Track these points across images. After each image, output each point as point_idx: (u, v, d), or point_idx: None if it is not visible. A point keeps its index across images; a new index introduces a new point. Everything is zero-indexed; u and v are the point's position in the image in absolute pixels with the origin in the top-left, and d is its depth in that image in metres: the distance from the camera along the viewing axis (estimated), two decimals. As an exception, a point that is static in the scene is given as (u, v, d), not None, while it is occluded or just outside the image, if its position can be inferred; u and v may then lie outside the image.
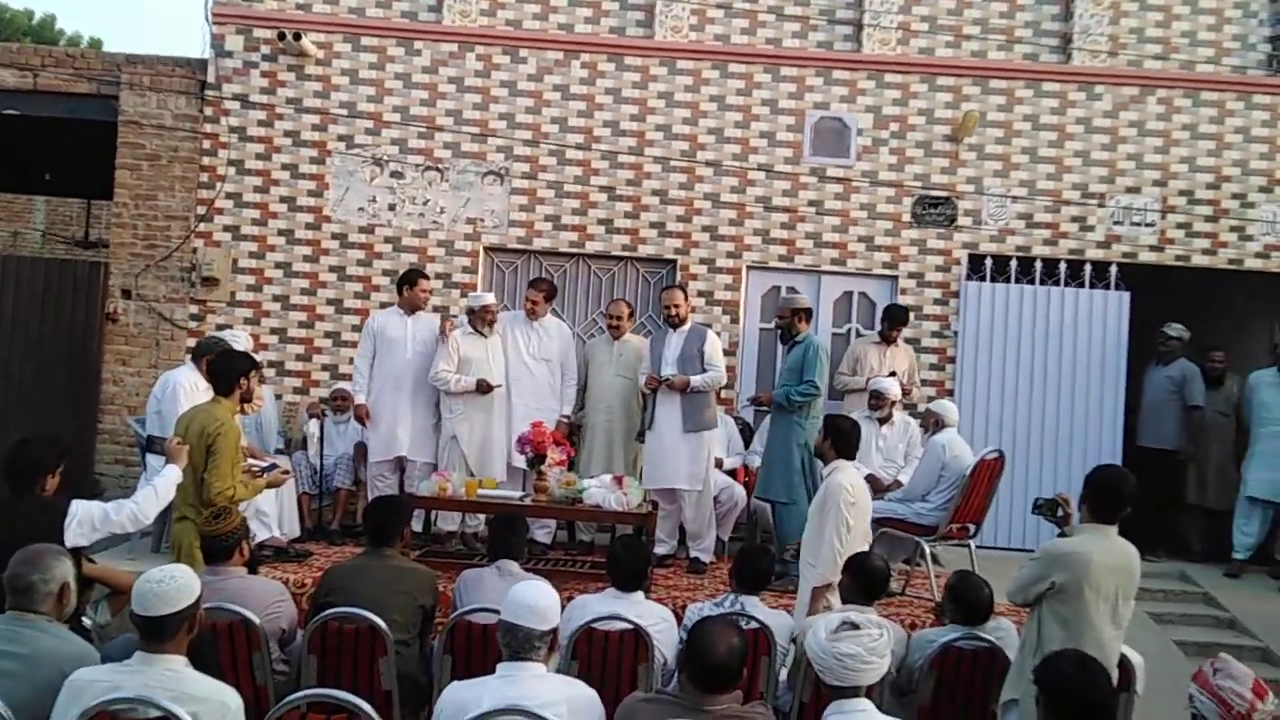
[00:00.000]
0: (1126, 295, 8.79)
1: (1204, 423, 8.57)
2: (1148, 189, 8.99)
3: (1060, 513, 4.48)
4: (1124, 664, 4.47)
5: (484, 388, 7.05)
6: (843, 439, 5.51)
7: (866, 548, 5.46)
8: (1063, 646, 3.78)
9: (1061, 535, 4.41)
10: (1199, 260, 8.99)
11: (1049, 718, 3.17)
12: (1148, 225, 8.98)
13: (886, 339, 8.19)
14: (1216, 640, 6.89)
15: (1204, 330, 8.95)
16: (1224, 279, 9.15)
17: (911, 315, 8.55)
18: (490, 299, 7.43)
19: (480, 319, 7.23)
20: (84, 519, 4.29)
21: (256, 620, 4.18)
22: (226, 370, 5.29)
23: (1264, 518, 8.09)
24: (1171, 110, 9.02)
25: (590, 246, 8.98)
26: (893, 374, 7.88)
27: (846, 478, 5.38)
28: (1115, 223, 8.98)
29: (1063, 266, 8.86)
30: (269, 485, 5.66)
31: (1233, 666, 3.44)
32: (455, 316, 7.85)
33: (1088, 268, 8.86)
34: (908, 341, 8.62)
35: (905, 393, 8.02)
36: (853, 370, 8.13)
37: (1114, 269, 8.85)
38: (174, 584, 3.21)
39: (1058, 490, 4.92)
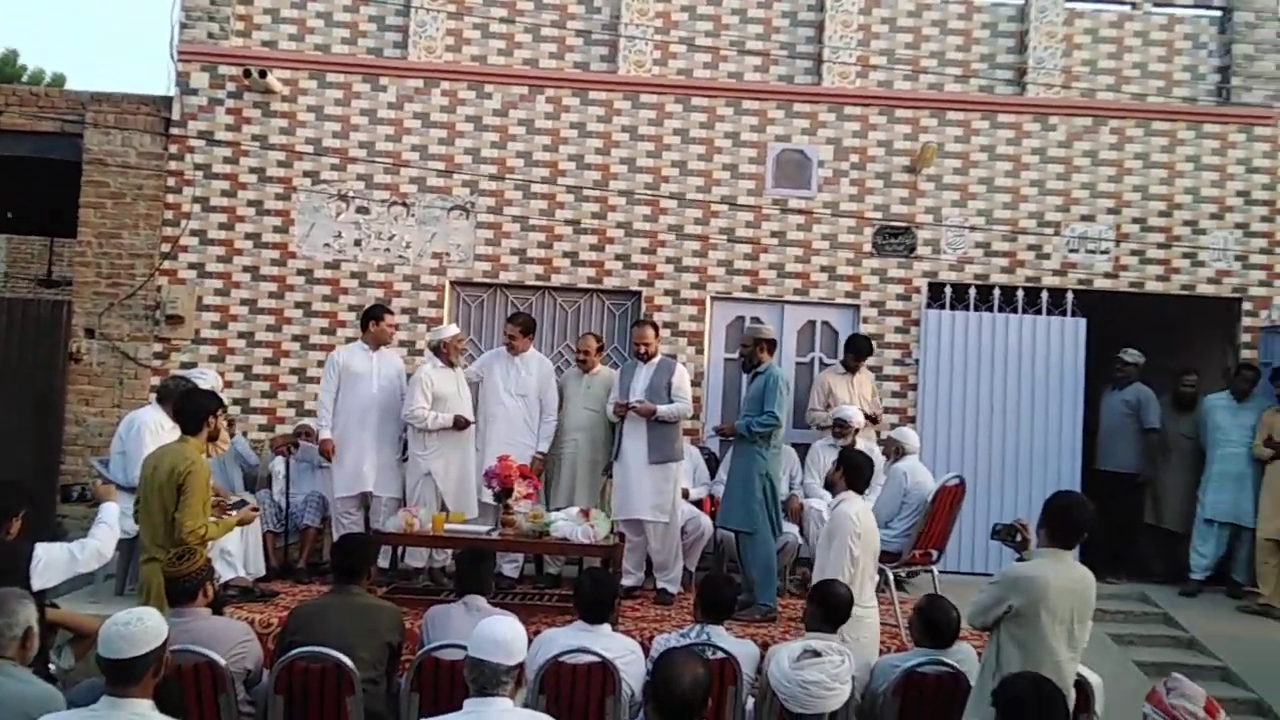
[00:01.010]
0: (1083, 321, 8.94)
1: (1166, 445, 8.71)
2: (1102, 217, 9.19)
3: (1019, 538, 4.56)
4: (1083, 685, 4.55)
5: (461, 424, 7.07)
6: (855, 472, 5.71)
7: (875, 577, 5.57)
8: (1020, 669, 3.85)
9: (1020, 560, 4.49)
10: (1153, 286, 9.17)
11: (1006, 741, 3.23)
12: (1102, 253, 9.16)
13: (851, 369, 8.32)
14: (1176, 660, 6.98)
15: (1158, 355, 9.12)
16: (1177, 304, 9.33)
17: (874, 343, 8.68)
18: (454, 330, 7.44)
19: (451, 350, 7.25)
20: (50, 562, 4.29)
21: (222, 661, 4.19)
22: (194, 409, 5.29)
23: (1219, 539, 8.24)
24: (1124, 140, 9.23)
25: (556, 279, 9.05)
26: (871, 416, 8.04)
27: (853, 508, 5.54)
28: (1071, 250, 9.15)
29: (1020, 294, 9.01)
30: (240, 522, 5.66)
31: (1185, 686, 3.53)
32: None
33: (1044, 295, 9.01)
34: (871, 369, 8.75)
35: (873, 420, 8.15)
36: (825, 405, 8.22)
37: (1070, 296, 9.00)
38: (141, 626, 3.22)
39: (1018, 515, 5.01)
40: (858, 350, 8.34)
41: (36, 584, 4.18)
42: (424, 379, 7.10)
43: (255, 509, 6.15)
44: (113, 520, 4.71)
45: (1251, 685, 6.77)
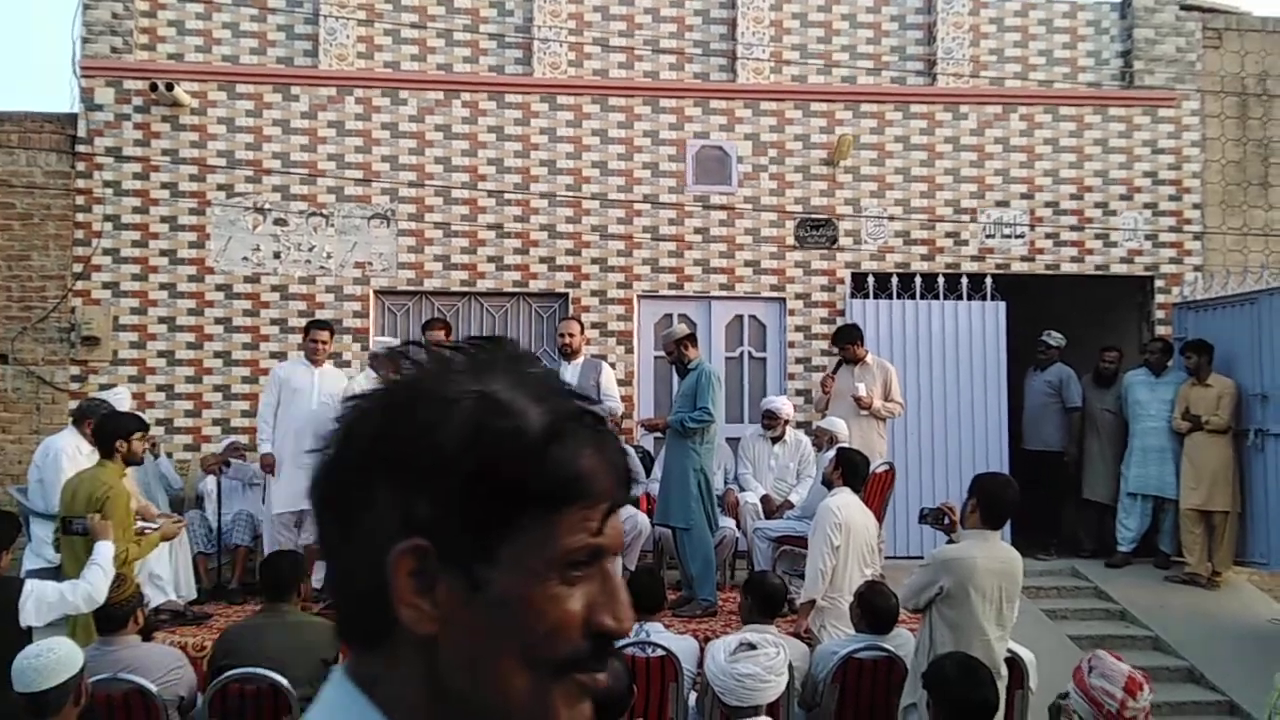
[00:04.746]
0: (1002, 305, 9.10)
1: (1091, 422, 8.90)
2: (1016, 202, 9.37)
3: (946, 520, 4.64)
4: (1015, 662, 4.65)
5: None
6: (853, 470, 5.97)
7: (866, 571, 5.66)
8: (952, 649, 3.92)
9: (950, 542, 4.57)
10: (1068, 268, 9.38)
11: (939, 717, 3.29)
12: (1018, 237, 9.35)
13: (847, 360, 7.95)
14: (1108, 633, 7.17)
15: (1077, 334, 9.32)
16: (1093, 284, 9.55)
17: (856, 329, 8.25)
18: (395, 343, 7.31)
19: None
20: (40, 598, 4.19)
21: (154, 689, 4.10)
22: (111, 432, 5.19)
23: (1143, 511, 8.44)
24: (1033, 126, 9.42)
25: (481, 284, 8.99)
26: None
27: (836, 501, 5.75)
28: (987, 236, 9.33)
29: (941, 280, 9.14)
30: (164, 538, 5.56)
31: (1106, 665, 3.56)
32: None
33: (964, 280, 9.15)
34: (801, 361, 8.81)
35: (865, 405, 7.69)
36: (824, 391, 8.03)
37: (989, 280, 9.15)
38: (53, 656, 3.15)
39: (945, 499, 5.10)
40: (835, 340, 8.11)
41: (26, 620, 4.10)
42: (356, 389, 6.98)
43: (179, 522, 6.04)
44: (106, 562, 4.54)
45: (1182, 653, 6.97)
